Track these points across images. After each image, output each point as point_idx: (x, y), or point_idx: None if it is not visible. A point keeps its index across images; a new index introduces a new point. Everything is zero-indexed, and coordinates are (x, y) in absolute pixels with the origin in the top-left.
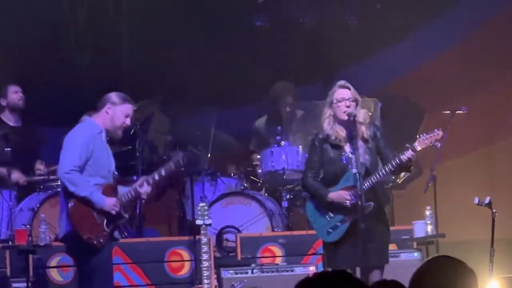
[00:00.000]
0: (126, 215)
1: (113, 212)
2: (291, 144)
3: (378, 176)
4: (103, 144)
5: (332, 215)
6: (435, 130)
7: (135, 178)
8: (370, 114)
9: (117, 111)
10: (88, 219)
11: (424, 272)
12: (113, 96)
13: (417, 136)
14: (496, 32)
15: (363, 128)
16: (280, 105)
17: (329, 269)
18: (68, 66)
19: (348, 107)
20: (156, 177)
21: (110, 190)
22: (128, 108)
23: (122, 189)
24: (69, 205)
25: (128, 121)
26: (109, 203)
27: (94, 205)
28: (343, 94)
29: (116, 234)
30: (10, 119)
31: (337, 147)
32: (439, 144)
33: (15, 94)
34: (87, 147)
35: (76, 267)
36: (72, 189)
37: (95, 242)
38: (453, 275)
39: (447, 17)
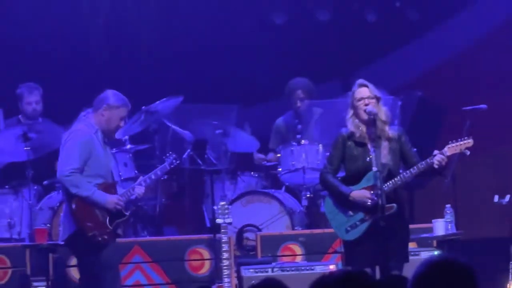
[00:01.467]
0: (127, 213)
1: (116, 209)
2: (311, 142)
3: (402, 178)
4: (100, 144)
5: (351, 213)
6: (465, 137)
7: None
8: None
9: (113, 115)
10: (91, 217)
11: (422, 274)
12: (111, 97)
13: (433, 135)
14: None
15: (386, 127)
16: (292, 100)
17: (349, 268)
18: (85, 64)
19: (367, 105)
20: (153, 176)
21: (110, 189)
22: (124, 111)
23: (119, 190)
24: (73, 206)
25: (122, 124)
26: (111, 201)
27: (96, 203)
28: (361, 93)
29: (119, 231)
30: (26, 120)
31: (361, 144)
32: (468, 152)
33: (27, 106)
34: (85, 149)
35: (80, 267)
36: (74, 190)
37: (100, 239)
38: (450, 276)
39: (467, 14)
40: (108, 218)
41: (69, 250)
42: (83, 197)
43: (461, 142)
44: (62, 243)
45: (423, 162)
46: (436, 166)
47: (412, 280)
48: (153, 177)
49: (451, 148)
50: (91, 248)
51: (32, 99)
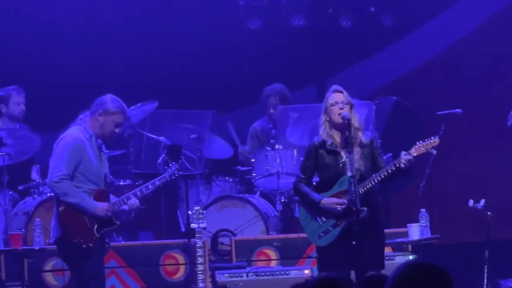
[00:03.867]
0: (118, 222)
1: (106, 217)
2: (285, 147)
3: (372, 181)
4: (93, 149)
5: (324, 219)
6: (432, 137)
7: (129, 182)
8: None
9: (108, 120)
10: (78, 223)
11: (400, 277)
12: (108, 102)
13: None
14: (491, 34)
15: (359, 133)
16: (266, 107)
17: (323, 274)
18: (68, 68)
19: (341, 109)
20: (150, 186)
21: (102, 196)
22: (120, 118)
23: (112, 198)
24: (60, 209)
25: (117, 130)
26: (102, 208)
27: (86, 211)
28: (336, 97)
29: (107, 239)
30: (6, 124)
31: (333, 152)
32: (435, 152)
33: (16, 106)
34: (75, 155)
35: (70, 272)
36: (62, 197)
37: (84, 246)
38: (428, 279)
39: (441, 19)
40: (96, 226)
41: (57, 252)
42: (71, 204)
43: (428, 142)
44: (38, 248)
45: (391, 164)
46: (402, 166)
47: (389, 283)
48: (150, 187)
49: (417, 149)
50: (76, 254)
51: (20, 99)
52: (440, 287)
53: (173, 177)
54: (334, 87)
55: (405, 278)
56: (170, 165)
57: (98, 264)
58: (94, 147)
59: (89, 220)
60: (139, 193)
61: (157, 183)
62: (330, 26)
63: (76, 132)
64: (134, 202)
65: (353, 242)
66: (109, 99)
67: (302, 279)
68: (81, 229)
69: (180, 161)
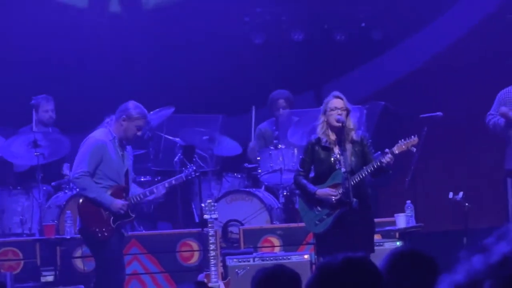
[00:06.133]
0: (133, 215)
1: (119, 213)
2: (287, 146)
3: (360, 175)
4: (115, 150)
5: (319, 209)
6: (412, 136)
7: (149, 178)
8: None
9: (130, 125)
10: (95, 214)
11: (387, 265)
12: (131, 108)
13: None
14: (471, 45)
15: (352, 133)
16: (274, 109)
17: (320, 258)
18: (93, 77)
19: (340, 115)
20: (167, 184)
21: (119, 192)
22: (142, 122)
23: (135, 190)
24: (79, 202)
25: (139, 133)
26: (116, 205)
27: (102, 205)
28: (336, 103)
29: (123, 230)
30: (40, 129)
31: (327, 149)
32: (415, 149)
33: (44, 113)
34: (96, 154)
35: (93, 256)
36: (81, 191)
37: (99, 235)
38: (416, 266)
39: (425, 32)
40: (112, 218)
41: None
42: (89, 199)
43: (408, 141)
44: (69, 237)
45: (377, 160)
46: (384, 165)
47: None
48: (167, 185)
49: (399, 147)
50: (94, 241)
51: (49, 107)
52: (427, 273)
53: (189, 177)
54: (335, 93)
55: (394, 265)
56: (188, 166)
57: (116, 251)
58: (117, 148)
59: (105, 212)
60: (167, 185)
61: (173, 182)
62: (326, 40)
63: (100, 134)
64: (160, 191)
65: (346, 230)
66: (132, 106)
67: (304, 263)
68: (97, 220)
69: (194, 159)
